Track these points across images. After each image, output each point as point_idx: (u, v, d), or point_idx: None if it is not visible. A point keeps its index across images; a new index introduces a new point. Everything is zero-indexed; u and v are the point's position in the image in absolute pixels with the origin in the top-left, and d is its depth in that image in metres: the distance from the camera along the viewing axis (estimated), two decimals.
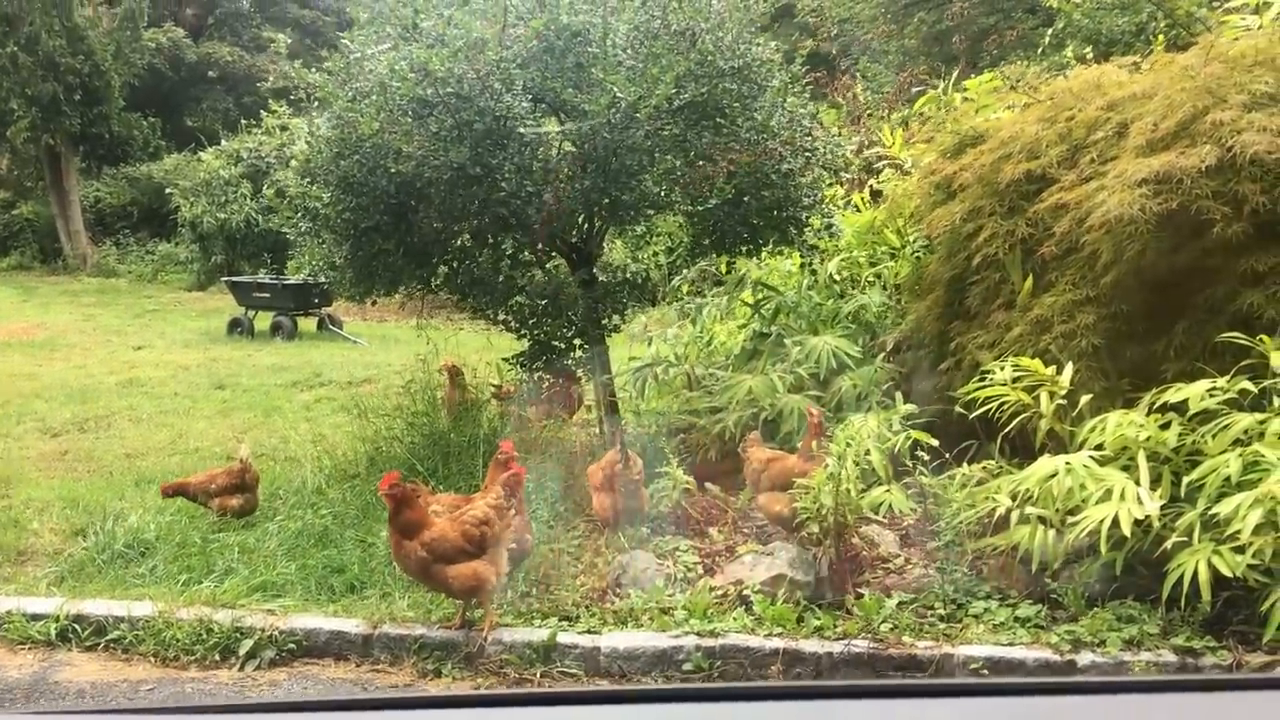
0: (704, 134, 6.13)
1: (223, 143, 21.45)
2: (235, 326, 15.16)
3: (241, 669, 4.33)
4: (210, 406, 10.15)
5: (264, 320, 15.23)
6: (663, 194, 6.08)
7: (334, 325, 15.22)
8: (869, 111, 10.73)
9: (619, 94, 5.68)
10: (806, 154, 6.38)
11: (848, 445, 4.90)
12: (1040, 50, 14.88)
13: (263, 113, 20.57)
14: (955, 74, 9.85)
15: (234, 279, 15.93)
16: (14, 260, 24.39)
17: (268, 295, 15.05)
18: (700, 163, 6.06)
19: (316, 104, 6.42)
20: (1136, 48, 12.64)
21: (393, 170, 5.76)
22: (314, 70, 6.29)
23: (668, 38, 6.18)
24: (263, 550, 5.38)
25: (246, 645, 4.40)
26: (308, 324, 15.55)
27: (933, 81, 11.77)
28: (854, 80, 13.03)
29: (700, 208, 6.02)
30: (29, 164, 24.78)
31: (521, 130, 5.72)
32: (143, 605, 4.65)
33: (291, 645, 4.44)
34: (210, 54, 29.01)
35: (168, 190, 21.97)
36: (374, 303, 7.29)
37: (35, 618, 4.69)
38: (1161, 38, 8.16)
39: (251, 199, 19.57)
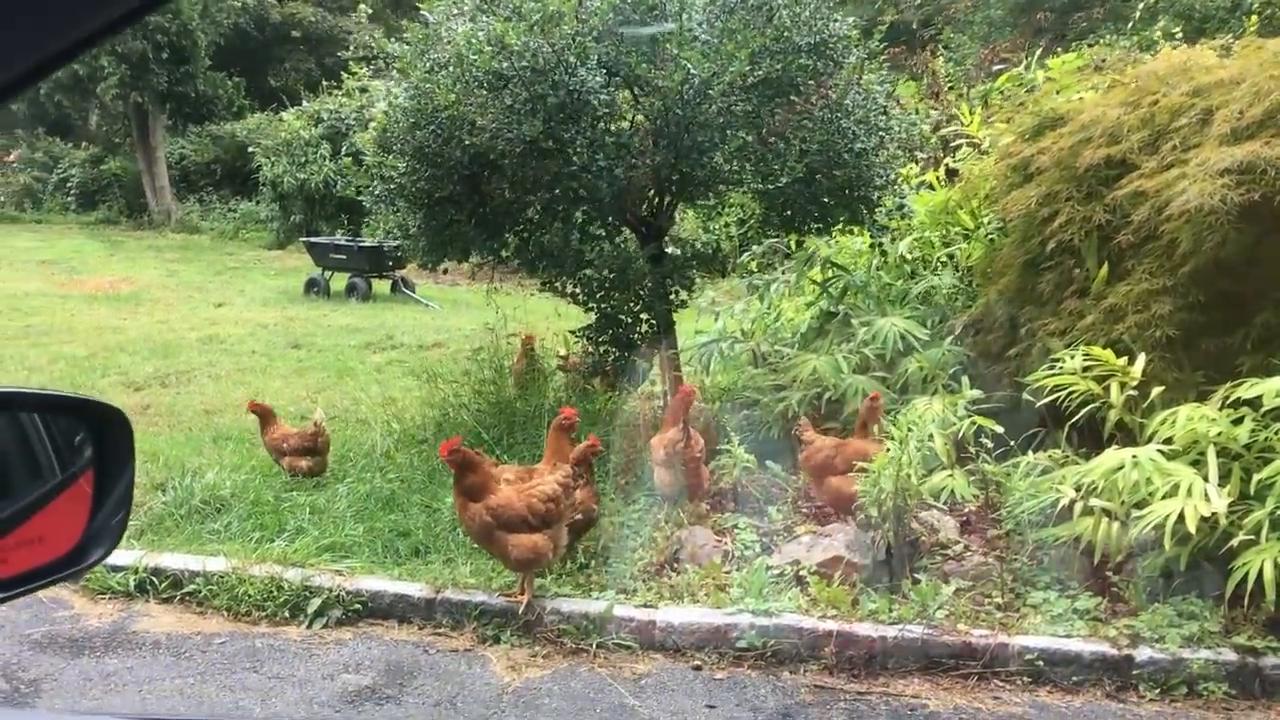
0: (777, 111, 6.09)
1: (304, 103, 21.74)
2: (312, 286, 15.45)
3: (309, 627, 4.48)
4: (286, 365, 10.39)
5: (340, 281, 15.50)
6: (733, 170, 6.06)
7: (407, 288, 15.43)
8: (950, 86, 10.53)
9: (693, 70, 5.67)
10: (881, 133, 6.31)
11: (910, 429, 4.88)
12: (1130, 25, 14.50)
13: (343, 74, 20.80)
14: (1039, 50, 9.65)
15: (311, 239, 16.21)
16: (101, 214, 25.07)
17: (343, 256, 15.30)
18: (772, 140, 6.04)
19: (396, 72, 6.49)
20: (1231, 26, 12.26)
21: (467, 142, 5.83)
22: (394, 40, 6.35)
23: (744, 13, 6.15)
24: (332, 511, 5.52)
25: (315, 604, 4.55)
26: (382, 286, 15.79)
27: (1017, 56, 11.56)
28: (934, 54, 12.75)
29: (771, 185, 5.99)
30: (117, 121, 25.39)
31: (594, 104, 5.74)
32: (217, 561, 4.82)
33: (358, 606, 4.59)
34: (294, 14, 29.36)
35: (250, 149, 22.37)
36: (445, 271, 7.39)
37: (115, 569, 4.88)
38: (1255, 18, 7.89)
39: (331, 160, 19.84)
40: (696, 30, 6.02)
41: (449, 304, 15.20)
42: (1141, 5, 14.69)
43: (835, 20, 6.37)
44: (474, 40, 5.66)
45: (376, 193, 6.40)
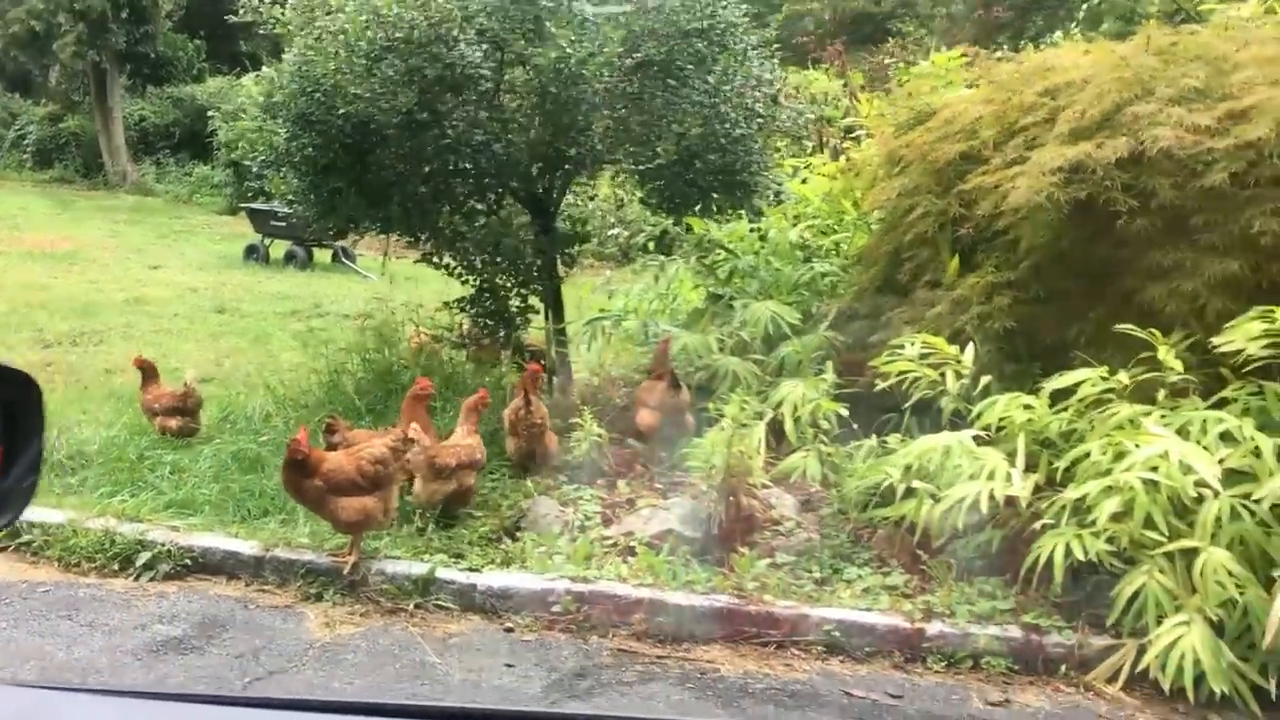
0: (657, 93, 6.20)
1: (263, 69, 21.64)
2: (251, 253, 15.46)
3: (136, 579, 4.59)
4: (205, 329, 10.44)
5: (280, 249, 15.51)
6: (608, 150, 6.17)
7: (347, 258, 15.47)
8: (875, 79, 10.68)
9: (568, 48, 5.77)
10: (760, 119, 6.43)
11: (743, 409, 5.03)
12: (1075, 24, 14.67)
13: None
14: (999, 47, 9.75)
15: (251, 206, 16.17)
16: (56, 173, 24.91)
17: (283, 224, 15.29)
18: (649, 121, 6.14)
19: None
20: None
21: (343, 111, 5.91)
22: (281, 6, 6.42)
23: None
24: (193, 470, 5.62)
25: (144, 558, 4.65)
26: (324, 255, 15.81)
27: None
28: (900, 47, 12.85)
29: (645, 166, 6.11)
30: (76, 79, 25.17)
31: (473, 78, 5.84)
32: (55, 513, 4.91)
33: (188, 561, 4.69)
34: None
35: (209, 113, 22.26)
36: (335, 236, 7.47)
37: None
38: (1154, 21, 8.03)
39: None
40: (585, 9, 6.12)
41: (395, 277, 15.24)
42: (1086, 6, 14.85)
43: (725, 6, 6.48)
44: (349, 9, 5.74)
45: (261, 158, 6.47)
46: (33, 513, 4.91)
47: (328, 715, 1.14)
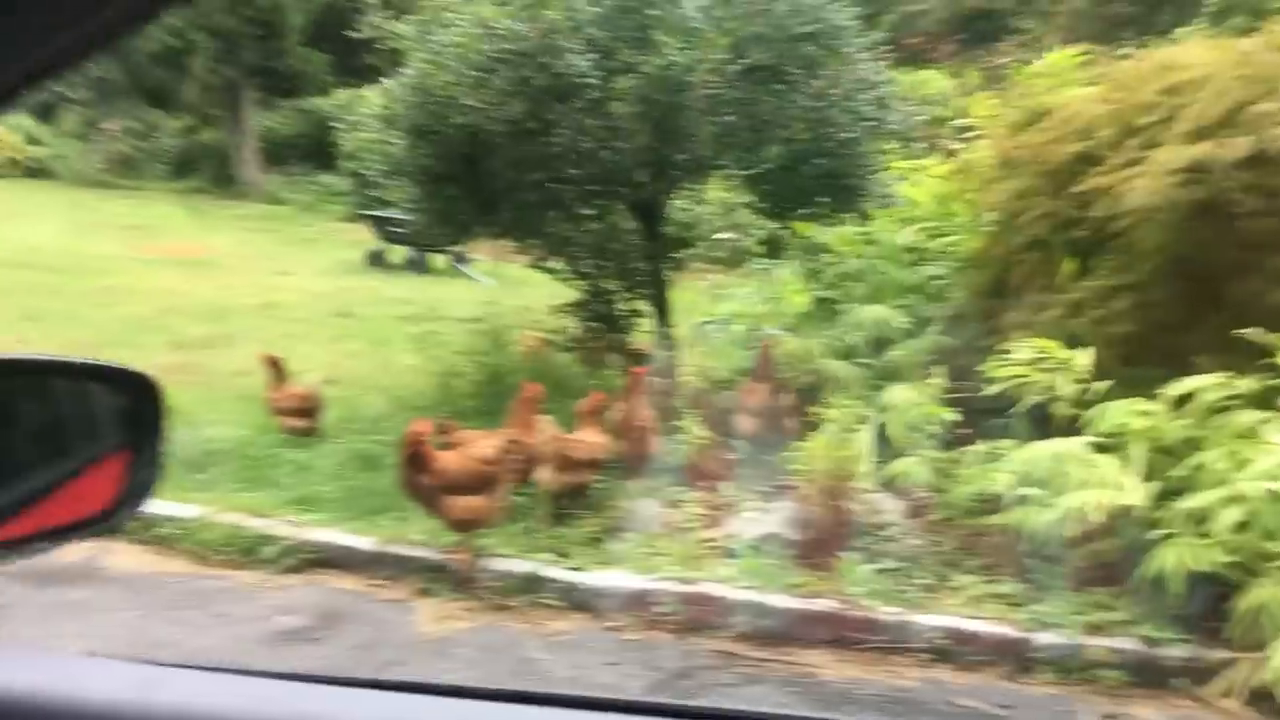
0: (764, 98, 6.22)
1: (384, 81, 22.25)
2: (372, 259, 15.95)
3: (261, 572, 4.80)
4: (327, 333, 10.82)
5: (401, 254, 15.96)
6: (714, 155, 6.21)
7: (462, 264, 15.81)
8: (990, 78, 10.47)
9: (674, 56, 5.83)
10: (869, 122, 6.39)
11: (847, 413, 5.01)
12: (1201, 20, 14.16)
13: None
14: (1123, 44, 9.45)
15: (373, 213, 16.65)
16: (192, 183, 26.02)
17: (402, 231, 15.72)
18: (756, 126, 6.17)
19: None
20: None
21: (458, 121, 6.08)
22: (400, 22, 6.64)
23: (743, 1, 6.29)
24: (315, 468, 5.85)
25: (269, 551, 4.87)
26: (440, 260, 16.20)
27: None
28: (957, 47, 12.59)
29: (750, 171, 6.14)
30: (211, 93, 26.28)
31: (581, 87, 5.94)
32: (187, 508, 5.16)
33: (309, 555, 4.89)
34: None
35: (334, 124, 22.99)
36: (450, 242, 7.66)
37: None
38: None
39: None
40: (694, 17, 6.18)
41: (509, 281, 15.57)
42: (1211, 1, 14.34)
43: (832, 8, 6.47)
44: (462, 23, 5.91)
45: (380, 168, 6.70)
46: (166, 507, 5.17)
47: (434, 698, 1.20)
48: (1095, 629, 4.22)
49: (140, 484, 1.37)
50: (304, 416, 6.34)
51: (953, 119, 8.79)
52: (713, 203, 7.73)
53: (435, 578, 4.72)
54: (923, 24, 22.72)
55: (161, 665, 1.18)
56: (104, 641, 3.98)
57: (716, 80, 6.01)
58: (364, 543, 4.92)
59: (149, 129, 27.58)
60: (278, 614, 4.42)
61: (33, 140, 26.21)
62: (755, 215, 7.29)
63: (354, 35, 7.06)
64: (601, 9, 6.07)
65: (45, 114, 27.12)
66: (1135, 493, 4.28)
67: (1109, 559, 4.46)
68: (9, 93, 0.73)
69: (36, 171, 25.35)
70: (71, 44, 0.70)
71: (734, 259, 9.47)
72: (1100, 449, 4.59)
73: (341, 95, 25.94)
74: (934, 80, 9.89)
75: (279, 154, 26.63)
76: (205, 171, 26.42)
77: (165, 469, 1.42)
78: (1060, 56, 7.02)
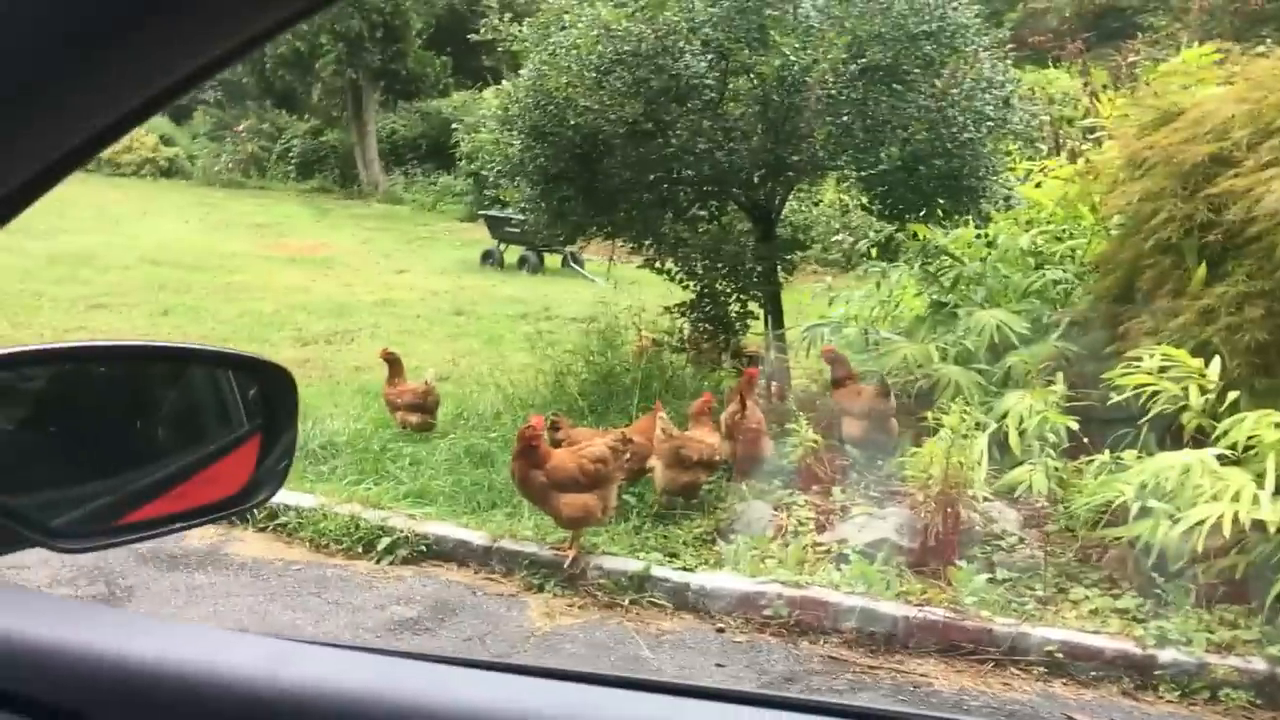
0: (882, 98, 6.14)
1: (503, 82, 22.62)
2: (487, 258, 16.21)
3: (377, 562, 4.94)
4: (443, 330, 11.05)
5: (515, 253, 16.19)
6: (831, 157, 6.15)
7: (575, 263, 15.96)
8: (1119, 77, 10.14)
9: (791, 57, 5.80)
10: (990, 122, 6.25)
11: (963, 420, 4.91)
12: None
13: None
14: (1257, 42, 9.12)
15: (488, 213, 16.92)
16: (316, 183, 26.84)
17: (517, 230, 15.93)
18: (874, 127, 6.09)
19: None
20: None
21: (574, 122, 6.14)
22: (519, 24, 6.74)
23: (861, 1, 6.22)
24: (430, 463, 5.98)
25: (385, 542, 5.00)
26: (555, 260, 16.39)
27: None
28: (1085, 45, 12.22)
29: (866, 173, 6.06)
30: (335, 95, 27.06)
31: (696, 88, 5.95)
32: (308, 498, 5.33)
33: (423, 547, 5.01)
34: None
35: (453, 126, 23.46)
36: (564, 242, 7.72)
37: None
38: None
39: None
40: (811, 17, 6.14)
41: (622, 281, 15.66)
42: None
43: (955, 7, 6.35)
44: (580, 25, 5.97)
45: (497, 168, 6.81)
46: (289, 497, 5.35)
47: (561, 683, 1.22)
48: (1221, 647, 4.06)
49: (272, 470, 1.41)
50: (420, 412, 6.49)
51: (1079, 119, 8.55)
52: (828, 204, 7.68)
53: (545, 573, 4.79)
54: (1048, 21, 22.10)
55: (292, 640, 1.23)
56: (230, 624, 4.13)
57: (833, 80, 5.96)
58: (476, 537, 5.02)
59: (277, 130, 28.53)
60: (393, 604, 4.53)
61: (167, 141, 27.40)
62: (871, 217, 7.18)
63: (473, 38, 7.09)
64: (719, 10, 6.08)
65: (179, 115, 28.32)
66: (1268, 507, 4.10)
67: (1238, 576, 4.28)
68: (165, 98, 0.76)
69: (170, 171, 26.52)
70: (228, 50, 0.71)
71: (848, 261, 9.40)
72: (1231, 461, 4.42)
73: (460, 97, 26.48)
74: (1059, 79, 9.62)
75: (400, 155, 27.27)
76: (329, 172, 27.21)
77: (295, 456, 1.47)
78: (1193, 54, 6.78)
